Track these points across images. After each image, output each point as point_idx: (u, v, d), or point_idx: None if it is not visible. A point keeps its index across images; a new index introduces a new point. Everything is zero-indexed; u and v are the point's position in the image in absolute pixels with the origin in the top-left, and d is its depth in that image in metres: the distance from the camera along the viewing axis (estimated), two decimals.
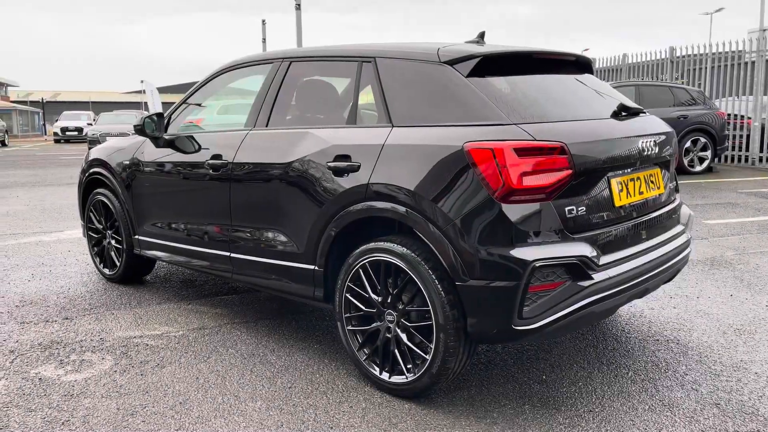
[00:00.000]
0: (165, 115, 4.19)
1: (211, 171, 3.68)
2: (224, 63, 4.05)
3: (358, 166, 2.93)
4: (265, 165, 3.39)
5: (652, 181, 3.10)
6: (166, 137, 4.04)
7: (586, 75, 3.37)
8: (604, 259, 2.69)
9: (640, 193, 3.00)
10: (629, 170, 2.93)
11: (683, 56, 15.76)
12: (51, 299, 4.43)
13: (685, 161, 11.97)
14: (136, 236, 4.42)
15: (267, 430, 2.63)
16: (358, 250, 2.95)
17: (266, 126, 3.51)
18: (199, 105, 4.21)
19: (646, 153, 2.98)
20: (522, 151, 2.53)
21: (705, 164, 12.26)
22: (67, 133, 35.23)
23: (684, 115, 11.98)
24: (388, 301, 2.89)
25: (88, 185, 4.88)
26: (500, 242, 2.53)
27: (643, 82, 13.42)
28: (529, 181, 2.52)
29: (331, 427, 2.65)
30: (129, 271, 4.68)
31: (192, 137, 3.91)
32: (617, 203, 2.83)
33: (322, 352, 3.43)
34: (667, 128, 3.36)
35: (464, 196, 2.59)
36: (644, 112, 3.33)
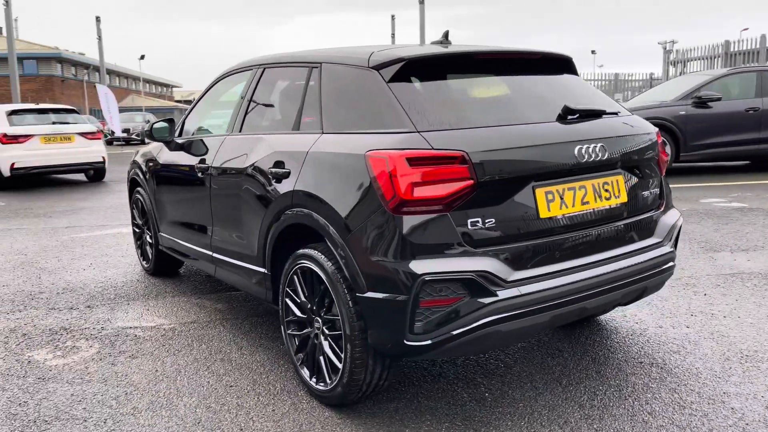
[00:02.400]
0: (182, 119, 4.46)
1: (199, 174, 3.87)
2: (224, 69, 4.23)
3: (288, 173, 2.96)
4: (230, 170, 3.51)
5: (606, 190, 2.81)
6: (177, 141, 4.30)
7: (553, 75, 3.12)
8: (518, 275, 2.50)
9: (585, 203, 2.73)
10: (566, 179, 2.68)
11: None
12: (88, 288, 4.88)
13: None
14: (160, 233, 4.75)
15: (184, 426, 2.75)
16: (292, 256, 2.98)
17: (240, 131, 3.62)
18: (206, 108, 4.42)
19: (591, 159, 2.71)
20: (415, 161, 2.41)
21: None
22: None
23: None
24: (315, 308, 2.89)
25: (131, 184, 5.31)
26: (392, 255, 2.44)
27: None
28: (422, 192, 2.40)
29: (242, 429, 2.72)
30: (160, 265, 5.03)
31: (193, 142, 4.13)
32: (544, 215, 2.60)
33: (282, 354, 3.49)
34: (641, 131, 3.03)
35: (364, 206, 2.53)
36: (615, 113, 3.03)
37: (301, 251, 2.90)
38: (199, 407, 2.92)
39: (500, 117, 2.70)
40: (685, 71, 19.68)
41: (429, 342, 2.43)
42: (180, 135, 4.40)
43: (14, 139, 11.46)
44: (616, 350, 3.41)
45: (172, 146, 4.36)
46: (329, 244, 2.68)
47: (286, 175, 2.96)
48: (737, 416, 2.70)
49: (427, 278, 2.37)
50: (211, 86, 4.30)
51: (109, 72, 60.48)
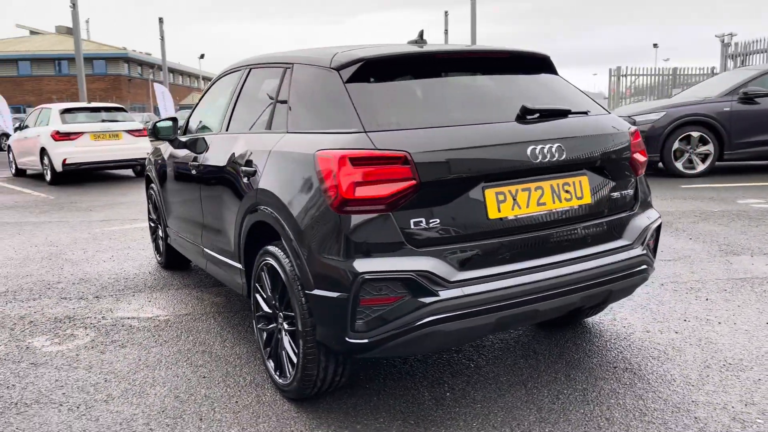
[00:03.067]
0: (187, 117, 4.61)
1: (193, 171, 4.00)
2: (223, 68, 4.34)
3: (255, 171, 3.03)
4: (214, 167, 3.62)
5: (566, 191, 2.76)
6: (180, 139, 4.46)
7: (525, 74, 3.08)
8: (463, 275, 2.49)
9: (541, 204, 2.69)
10: (520, 179, 2.65)
11: None
12: (102, 279, 5.11)
13: None
14: (168, 227, 4.92)
15: (148, 414, 2.86)
16: (259, 253, 3.06)
17: (227, 130, 3.73)
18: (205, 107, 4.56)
19: (547, 160, 2.66)
20: (357, 161, 2.44)
21: None
22: None
23: None
24: (278, 304, 2.96)
25: (146, 180, 5.52)
26: (335, 253, 2.48)
27: None
28: (364, 192, 2.43)
29: (201, 419, 2.81)
30: (171, 258, 5.22)
31: (190, 140, 4.27)
32: (493, 215, 2.58)
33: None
34: (611, 130, 2.95)
35: (312, 204, 2.57)
36: (584, 113, 2.97)
37: (265, 248, 2.97)
38: (168, 396, 3.03)
39: (454, 117, 2.69)
40: (746, 65, 18.81)
41: (369, 340, 2.46)
42: (184, 133, 4.55)
43: (66, 136, 12.04)
44: (594, 354, 3.35)
45: (176, 144, 4.52)
46: (284, 241, 2.74)
47: (253, 173, 3.04)
48: (699, 426, 2.61)
49: (366, 277, 2.40)
50: (212, 85, 4.43)
51: (172, 71, 62.65)
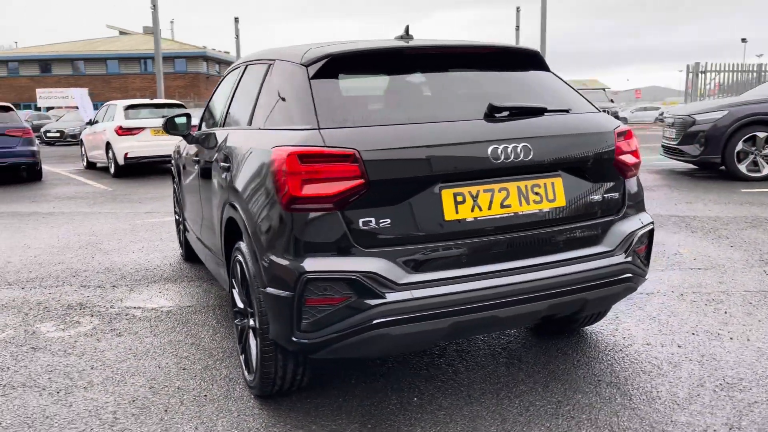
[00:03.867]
0: (202, 113, 4.70)
1: (195, 166, 4.07)
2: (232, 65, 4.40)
3: (229, 167, 3.05)
4: (206, 163, 3.67)
5: (536, 193, 2.62)
6: (192, 135, 4.55)
7: (506, 71, 2.95)
8: (413, 278, 2.41)
9: (505, 206, 2.56)
10: (482, 180, 2.53)
11: None
12: (125, 269, 5.29)
13: None
14: (185, 220, 5.04)
15: (119, 403, 2.93)
16: (233, 248, 3.07)
17: (222, 126, 3.77)
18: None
19: (510, 160, 2.53)
20: (306, 158, 2.40)
21: None
22: None
23: None
24: (246, 300, 2.96)
25: (171, 174, 5.67)
26: (283, 251, 2.45)
27: None
28: (312, 190, 2.38)
29: (166, 410, 2.85)
30: (190, 250, 5.34)
31: (196, 136, 4.34)
32: (450, 217, 2.48)
33: None
34: (591, 130, 2.78)
35: (266, 202, 2.55)
36: (565, 111, 2.81)
37: (237, 244, 2.98)
38: (143, 387, 3.09)
39: (415, 115, 2.60)
40: None
41: (315, 340, 2.42)
42: (199, 129, 4.64)
43: (128, 131, 12.57)
44: (581, 365, 3.17)
45: (188, 139, 4.60)
46: (244, 237, 2.74)
47: (228, 168, 3.06)
48: None
49: (310, 276, 2.36)
50: (221, 81, 4.49)
51: None
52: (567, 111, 2.82)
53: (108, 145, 13.00)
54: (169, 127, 4.53)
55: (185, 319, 4.02)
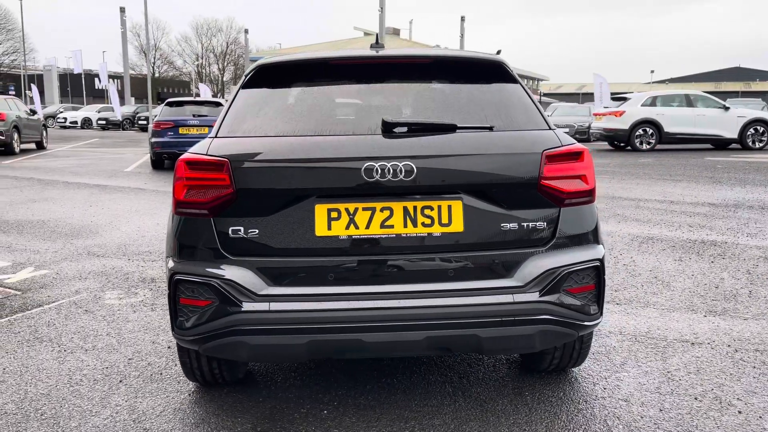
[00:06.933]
0: None
1: None
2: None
3: None
4: None
5: (426, 216, 2.42)
6: None
7: (451, 83, 2.75)
8: (273, 290, 2.41)
9: (387, 226, 2.41)
10: (362, 197, 2.41)
11: None
12: None
13: None
14: None
15: (94, 368, 3.34)
16: None
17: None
18: None
19: (388, 179, 2.37)
20: (191, 165, 2.53)
21: None
22: None
23: None
24: None
25: None
26: (169, 251, 2.64)
27: None
28: (191, 196, 2.51)
29: (121, 381, 3.18)
30: None
31: None
32: (321, 233, 2.41)
33: None
34: (514, 150, 2.47)
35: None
36: (488, 128, 2.54)
37: None
38: (96, 370, 3.29)
39: (308, 128, 2.58)
40: None
41: (188, 338, 2.55)
42: None
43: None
44: (555, 389, 2.84)
45: None
46: None
47: None
48: None
49: (178, 277, 2.50)
50: None
51: None
52: (490, 128, 2.55)
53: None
54: None
55: None
